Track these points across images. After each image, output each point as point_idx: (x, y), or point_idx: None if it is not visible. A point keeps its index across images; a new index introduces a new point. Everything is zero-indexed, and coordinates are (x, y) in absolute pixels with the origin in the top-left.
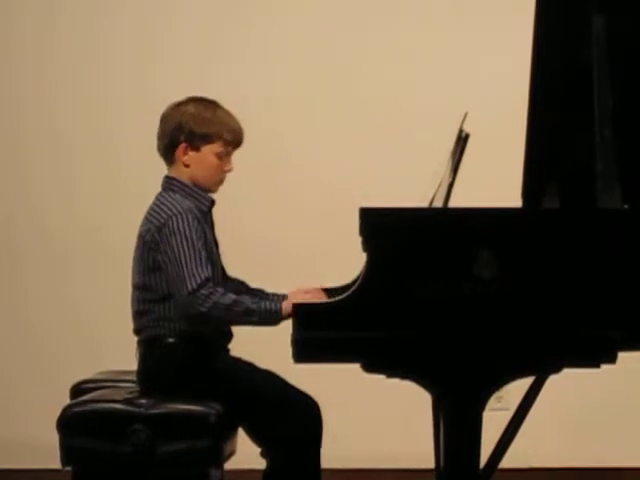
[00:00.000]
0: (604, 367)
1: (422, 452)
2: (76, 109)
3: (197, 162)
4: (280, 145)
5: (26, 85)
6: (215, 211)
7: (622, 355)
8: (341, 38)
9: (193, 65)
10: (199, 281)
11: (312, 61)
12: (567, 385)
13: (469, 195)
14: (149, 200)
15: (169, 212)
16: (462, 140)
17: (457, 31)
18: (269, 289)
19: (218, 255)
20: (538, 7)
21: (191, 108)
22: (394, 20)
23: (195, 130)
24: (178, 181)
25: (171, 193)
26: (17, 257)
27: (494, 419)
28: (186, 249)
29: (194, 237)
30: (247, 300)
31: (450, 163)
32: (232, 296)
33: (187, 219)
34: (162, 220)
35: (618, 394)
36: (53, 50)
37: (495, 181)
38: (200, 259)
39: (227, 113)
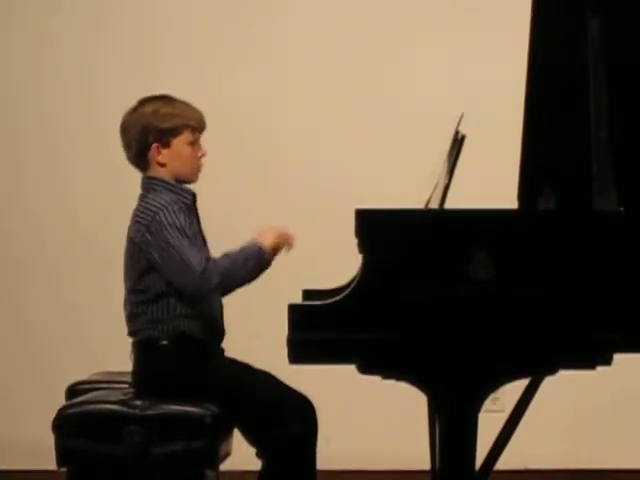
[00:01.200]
0: (600, 369)
1: (418, 453)
2: (73, 110)
3: (172, 157)
4: (276, 146)
5: (22, 86)
6: (210, 212)
7: (618, 356)
8: (339, 39)
9: (191, 65)
10: (204, 263)
11: (310, 62)
12: (563, 387)
13: (465, 196)
14: None
15: (154, 208)
16: (458, 142)
17: (453, 33)
18: (266, 290)
19: (206, 249)
20: (534, 9)
21: (148, 108)
22: (392, 22)
23: (161, 127)
24: (158, 179)
25: (152, 192)
26: (13, 259)
27: (490, 420)
28: (181, 238)
29: (184, 226)
30: (234, 254)
31: (446, 164)
32: (224, 259)
33: (174, 210)
34: (149, 217)
35: (614, 396)
36: (50, 50)
37: (491, 182)
38: (195, 244)
39: (183, 102)
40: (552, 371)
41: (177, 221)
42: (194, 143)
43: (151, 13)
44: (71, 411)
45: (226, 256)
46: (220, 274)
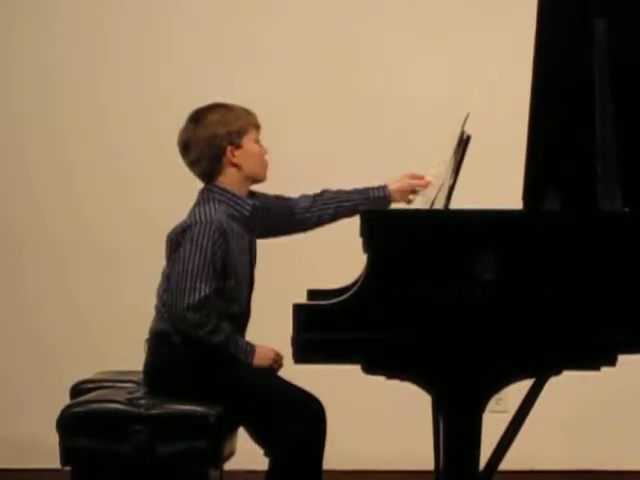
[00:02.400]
0: (604, 369)
1: (421, 453)
2: (78, 109)
3: (246, 157)
4: (282, 146)
5: (27, 85)
6: None
7: (622, 357)
8: (344, 40)
9: (196, 65)
10: (197, 298)
11: (315, 63)
12: (567, 387)
13: (470, 197)
14: (150, 200)
15: (195, 219)
16: (463, 142)
17: (459, 32)
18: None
19: (250, 266)
20: (540, 9)
21: (212, 118)
22: (396, 21)
23: (231, 130)
24: (218, 189)
25: (209, 202)
26: (18, 257)
27: (494, 421)
28: (196, 260)
29: (208, 250)
30: (231, 343)
31: (451, 165)
32: (219, 337)
33: (209, 230)
34: (187, 224)
35: (618, 397)
36: (54, 50)
37: (496, 183)
38: (207, 274)
39: (235, 105)
40: (557, 372)
41: (205, 242)
42: (258, 141)
43: (155, 13)
44: (75, 410)
45: (231, 337)
46: (203, 335)
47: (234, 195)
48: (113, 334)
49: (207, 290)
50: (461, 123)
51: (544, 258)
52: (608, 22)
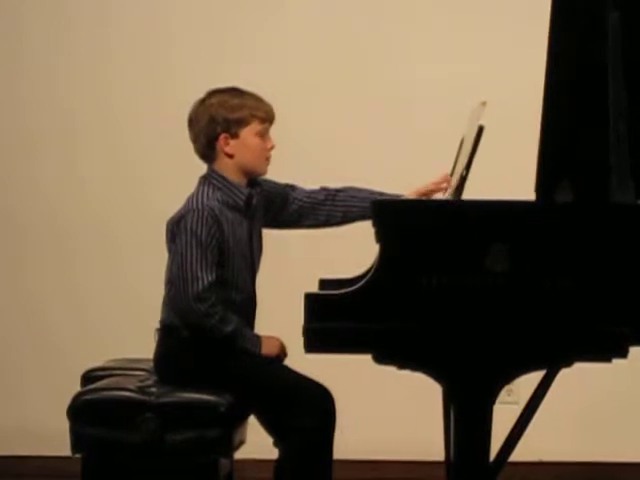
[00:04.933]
0: (615, 361)
1: (432, 444)
2: (87, 106)
3: (241, 148)
4: (291, 138)
5: (37, 82)
6: None
7: (634, 350)
8: (354, 32)
9: (204, 63)
10: (201, 286)
11: (325, 59)
12: (578, 379)
13: (483, 188)
14: (158, 191)
15: (188, 207)
16: (477, 132)
17: (472, 25)
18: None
19: (250, 253)
20: (554, 3)
21: (216, 99)
22: (408, 12)
23: (229, 117)
24: (216, 174)
25: (205, 186)
26: (26, 246)
27: (504, 412)
28: (193, 249)
29: (203, 237)
30: (239, 334)
31: (463, 155)
32: (229, 326)
33: (201, 217)
34: (182, 213)
35: (629, 388)
36: (63, 48)
37: (509, 174)
38: (206, 262)
39: (251, 93)
40: (568, 363)
41: (199, 229)
42: (263, 134)
43: (161, 11)
44: (86, 398)
45: (238, 329)
46: (212, 325)
47: (230, 183)
48: (123, 321)
49: (210, 277)
50: (479, 111)
51: (556, 249)
52: (622, 15)
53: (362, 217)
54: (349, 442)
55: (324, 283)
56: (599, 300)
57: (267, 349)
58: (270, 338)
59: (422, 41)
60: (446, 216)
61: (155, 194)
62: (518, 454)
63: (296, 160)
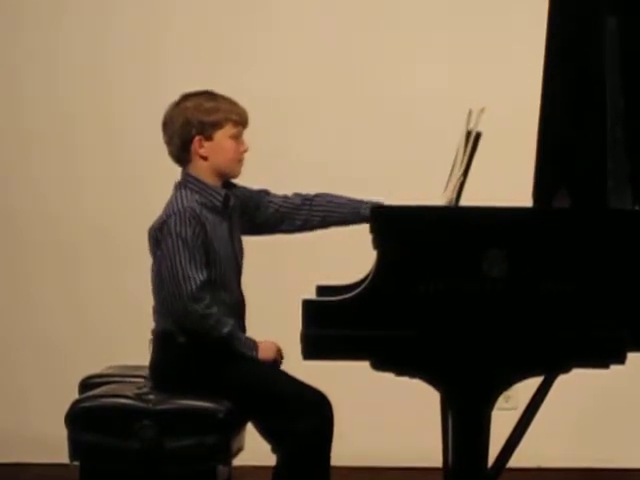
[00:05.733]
0: (613, 367)
1: (430, 450)
2: (84, 107)
3: (215, 150)
4: (289, 143)
5: (34, 84)
6: None
7: (632, 355)
8: (352, 37)
9: (201, 65)
10: (194, 285)
11: (322, 62)
12: (576, 385)
13: (480, 194)
14: (157, 196)
15: (169, 211)
16: (474, 139)
17: (470, 28)
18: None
19: (233, 254)
20: (551, 8)
21: (191, 102)
22: (405, 17)
23: (204, 120)
24: (192, 177)
25: (183, 190)
26: (26, 252)
27: (503, 418)
28: (181, 251)
29: (189, 237)
30: (235, 337)
31: (461, 161)
32: (226, 328)
33: (184, 219)
34: (163, 218)
35: (627, 394)
36: (62, 48)
37: (506, 180)
38: (195, 261)
39: (225, 97)
40: (566, 369)
41: (184, 231)
42: (237, 137)
43: (159, 12)
44: (84, 405)
45: (234, 332)
46: (210, 327)
47: (207, 185)
48: (122, 329)
49: (201, 276)
50: (475, 117)
51: (554, 255)
52: (619, 20)
53: (341, 222)
54: (347, 449)
55: (321, 290)
56: (596, 306)
57: (264, 353)
58: (266, 342)
59: (422, 42)
60: (444, 222)
61: (155, 196)
62: (516, 460)
63: (296, 160)
